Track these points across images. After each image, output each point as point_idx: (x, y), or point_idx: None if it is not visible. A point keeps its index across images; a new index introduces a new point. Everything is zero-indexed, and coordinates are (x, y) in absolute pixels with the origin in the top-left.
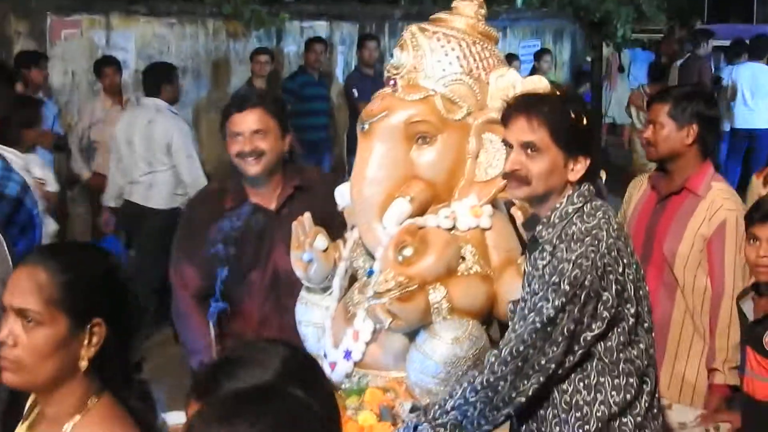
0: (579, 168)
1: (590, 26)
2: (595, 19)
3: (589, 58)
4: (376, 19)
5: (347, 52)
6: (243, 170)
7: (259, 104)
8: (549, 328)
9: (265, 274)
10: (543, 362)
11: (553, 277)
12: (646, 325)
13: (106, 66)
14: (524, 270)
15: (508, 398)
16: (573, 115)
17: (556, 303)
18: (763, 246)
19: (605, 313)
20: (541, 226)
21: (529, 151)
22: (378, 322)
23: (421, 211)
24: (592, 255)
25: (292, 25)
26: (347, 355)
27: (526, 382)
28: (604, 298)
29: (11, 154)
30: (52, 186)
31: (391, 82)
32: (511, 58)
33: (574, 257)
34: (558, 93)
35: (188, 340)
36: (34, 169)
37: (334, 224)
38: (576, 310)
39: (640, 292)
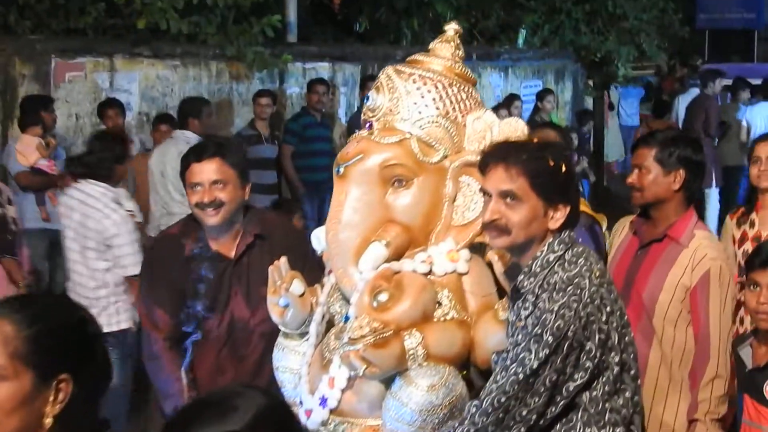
0: (559, 216)
1: (591, 65)
2: (596, 59)
3: (590, 97)
4: (378, 60)
5: (350, 93)
6: (202, 221)
7: (217, 154)
8: (531, 380)
9: (221, 322)
10: (524, 413)
11: (536, 328)
12: (632, 372)
13: (109, 108)
14: (508, 319)
15: None
16: (552, 163)
17: (540, 354)
18: (764, 292)
19: (588, 363)
20: (522, 276)
21: (508, 200)
22: (352, 369)
23: (397, 256)
24: (575, 305)
25: (294, 66)
26: (323, 402)
27: None
28: (587, 348)
29: (103, 188)
30: (139, 217)
31: (367, 124)
32: (513, 98)
33: (556, 307)
34: (535, 140)
35: (161, 383)
36: (125, 202)
37: (298, 270)
38: (558, 361)
39: (626, 339)
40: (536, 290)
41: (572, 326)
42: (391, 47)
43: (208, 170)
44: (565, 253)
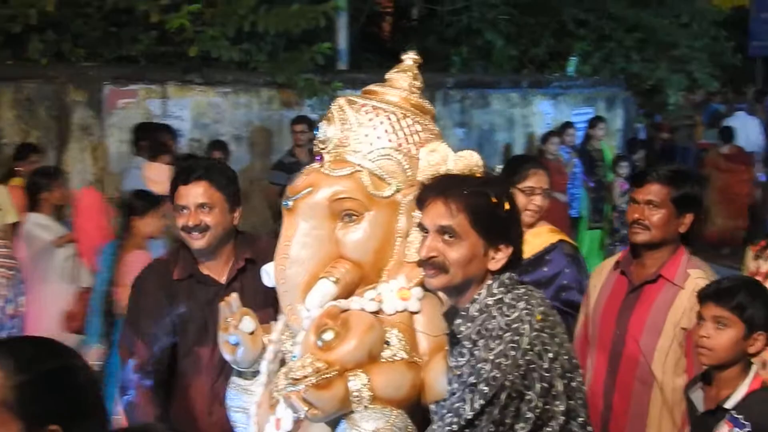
0: (500, 257)
1: (642, 94)
2: (647, 87)
3: (641, 125)
4: (428, 88)
5: None
6: (188, 244)
7: (204, 177)
8: (467, 431)
9: (215, 351)
10: None
11: (471, 377)
12: (580, 419)
13: None
14: (447, 366)
15: None
16: (494, 200)
17: (475, 405)
18: (705, 326)
19: (529, 414)
20: (459, 320)
21: (446, 236)
22: (294, 411)
23: (347, 293)
24: (513, 353)
25: (344, 93)
26: None
27: None
28: (528, 397)
29: None
30: None
31: (318, 157)
32: (566, 126)
33: (492, 356)
34: (478, 175)
35: (128, 417)
36: None
37: None
38: (496, 412)
39: (573, 384)
40: (473, 336)
41: (510, 376)
42: (440, 75)
43: (194, 193)
44: (504, 296)
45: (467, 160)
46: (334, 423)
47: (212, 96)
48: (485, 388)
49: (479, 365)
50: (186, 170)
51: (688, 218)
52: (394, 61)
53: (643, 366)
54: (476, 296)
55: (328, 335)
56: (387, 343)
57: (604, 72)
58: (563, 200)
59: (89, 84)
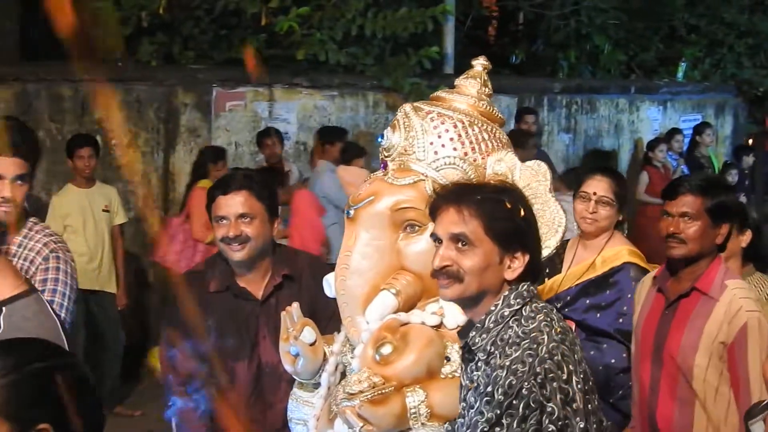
0: (516, 265)
1: (753, 100)
2: (758, 93)
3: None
4: (534, 93)
5: (505, 125)
6: (227, 256)
7: (245, 187)
8: None
9: (250, 366)
10: None
11: (487, 388)
12: None
13: (268, 137)
14: (460, 383)
15: None
16: (509, 206)
17: (490, 415)
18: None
19: (551, 428)
20: (474, 332)
21: (459, 244)
22: (349, 426)
23: (407, 306)
24: (530, 359)
25: None
26: None
27: None
28: (549, 409)
29: None
30: None
31: (382, 165)
32: (674, 132)
33: (508, 363)
34: (493, 182)
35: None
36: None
37: (327, 315)
38: (515, 425)
39: (590, 407)
40: (488, 347)
41: (526, 383)
42: (547, 80)
43: (234, 203)
44: (522, 308)
45: (534, 171)
46: None
47: (319, 99)
48: (501, 396)
49: (495, 373)
50: (225, 180)
51: (724, 228)
52: (501, 65)
53: (683, 384)
54: (492, 307)
55: (387, 349)
56: (447, 358)
57: (714, 78)
58: None
59: (198, 86)
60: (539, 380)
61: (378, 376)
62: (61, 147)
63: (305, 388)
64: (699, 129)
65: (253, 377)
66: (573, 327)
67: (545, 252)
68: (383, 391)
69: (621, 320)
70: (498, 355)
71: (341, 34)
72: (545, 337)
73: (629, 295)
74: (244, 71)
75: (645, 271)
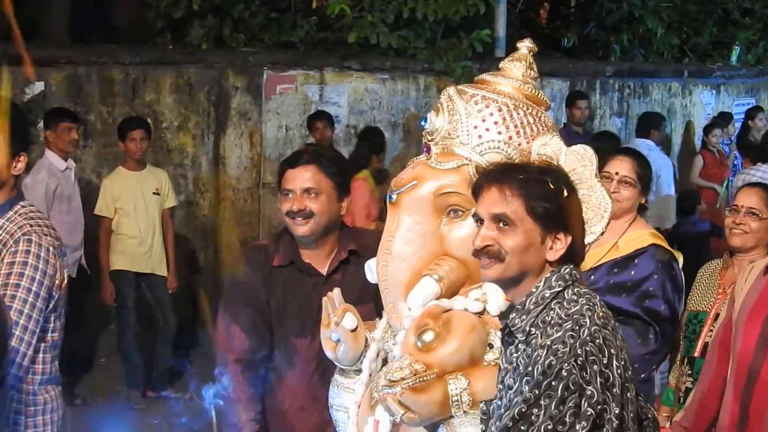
0: (559, 247)
1: None
2: None
3: None
4: (587, 76)
5: (557, 108)
6: (291, 230)
7: (313, 162)
8: (523, 426)
9: (312, 343)
10: None
11: (527, 368)
12: None
13: (318, 120)
14: (499, 366)
15: None
16: (552, 186)
17: (528, 395)
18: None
19: (590, 411)
20: (514, 314)
21: (500, 224)
22: (390, 414)
23: (450, 292)
24: (571, 341)
25: None
26: None
27: None
28: (588, 392)
29: None
30: None
31: (425, 148)
32: (725, 117)
33: (549, 342)
34: (537, 163)
35: (226, 409)
36: None
37: None
38: (553, 406)
39: (628, 395)
40: (528, 328)
41: (566, 364)
42: (599, 63)
43: (301, 177)
44: (564, 290)
45: (580, 155)
46: (432, 427)
47: (369, 82)
48: (540, 376)
49: (536, 353)
50: (295, 155)
51: None
52: (552, 48)
53: None
54: (533, 289)
55: (428, 336)
56: (491, 345)
57: None
58: (721, 192)
59: (248, 69)
60: (579, 362)
61: (420, 363)
62: (112, 130)
63: (347, 374)
64: (751, 113)
65: (315, 354)
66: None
67: (590, 238)
68: (425, 378)
69: (647, 301)
70: (539, 335)
71: (392, 17)
72: (587, 320)
73: (655, 276)
74: (295, 54)
75: (671, 253)
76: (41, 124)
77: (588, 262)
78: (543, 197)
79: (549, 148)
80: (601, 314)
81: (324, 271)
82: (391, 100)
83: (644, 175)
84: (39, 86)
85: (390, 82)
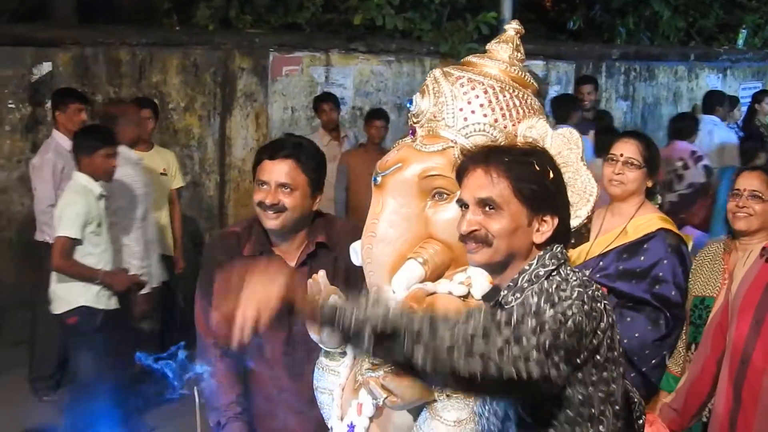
0: (545, 229)
1: None
2: None
3: None
4: (592, 59)
5: (563, 91)
6: (262, 221)
7: (292, 156)
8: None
9: (281, 335)
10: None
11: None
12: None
13: (324, 102)
14: None
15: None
16: (537, 168)
17: (542, 339)
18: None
19: (595, 313)
20: (506, 291)
21: (486, 208)
22: (373, 397)
23: (435, 276)
24: (567, 302)
25: None
26: (351, 429)
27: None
28: (603, 325)
29: None
30: None
31: (411, 131)
32: (728, 99)
33: (547, 307)
34: (521, 145)
35: (208, 393)
36: None
37: (362, 284)
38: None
39: (620, 370)
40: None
41: (571, 303)
42: (605, 46)
43: (278, 171)
44: (558, 268)
45: (566, 138)
46: (416, 411)
47: (375, 64)
48: (527, 329)
49: (533, 308)
50: (275, 145)
51: None
52: (558, 31)
53: None
54: (526, 267)
55: None
56: None
57: None
58: None
59: (255, 51)
60: (585, 308)
61: None
62: None
63: (332, 356)
64: (758, 97)
65: (283, 346)
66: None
67: (575, 221)
68: None
69: (658, 286)
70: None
71: None
72: (584, 294)
73: (665, 261)
74: (301, 36)
75: (680, 238)
76: (48, 105)
77: (597, 249)
78: (529, 178)
79: (535, 131)
80: (595, 292)
81: (293, 263)
82: (396, 82)
83: (651, 157)
84: (46, 67)
85: (396, 64)
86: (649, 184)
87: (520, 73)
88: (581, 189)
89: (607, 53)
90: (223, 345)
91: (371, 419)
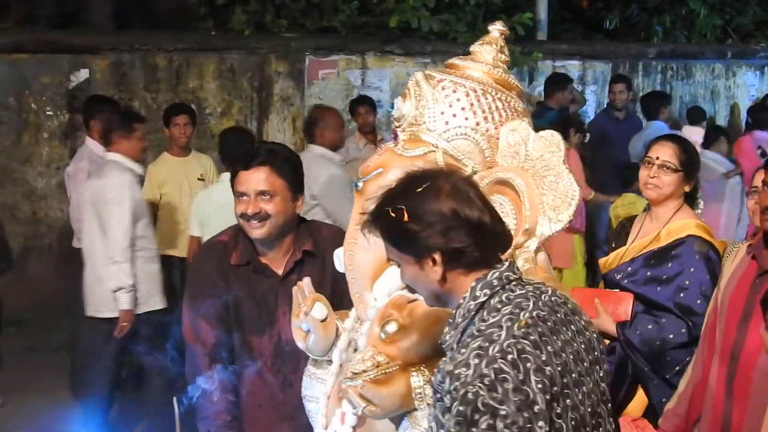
0: (437, 268)
1: None
2: None
3: None
4: (629, 58)
5: (599, 91)
6: (247, 232)
7: (267, 163)
8: None
9: (270, 343)
10: None
11: (436, 394)
12: None
13: (360, 105)
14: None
15: None
16: (393, 214)
17: (441, 421)
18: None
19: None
20: (447, 328)
21: (395, 265)
22: (352, 407)
23: None
24: (476, 361)
25: (544, 64)
26: None
27: None
28: (503, 412)
29: None
30: None
31: (393, 135)
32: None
33: (451, 368)
34: (387, 190)
35: (198, 401)
36: None
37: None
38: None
39: (567, 402)
40: (455, 346)
41: (471, 387)
42: (642, 45)
43: (255, 180)
44: (489, 299)
45: (548, 141)
46: (398, 420)
47: (411, 66)
48: (448, 401)
49: (446, 377)
50: (248, 155)
51: None
52: (594, 31)
53: (765, 359)
54: (461, 300)
55: (392, 327)
56: None
57: None
58: None
59: (291, 55)
60: (487, 382)
61: (382, 355)
62: (156, 116)
63: (319, 365)
64: None
65: (272, 354)
66: (631, 298)
67: (557, 226)
68: (387, 370)
69: (682, 294)
70: (448, 358)
71: (434, 1)
72: (503, 332)
73: (692, 269)
74: (336, 39)
75: (710, 245)
76: None
77: (630, 253)
78: (391, 229)
79: (517, 133)
80: (525, 321)
81: (280, 272)
82: None
83: (688, 161)
84: (84, 74)
85: (432, 66)
86: (687, 188)
87: (503, 75)
88: (563, 192)
89: (644, 52)
90: (212, 354)
91: (354, 428)
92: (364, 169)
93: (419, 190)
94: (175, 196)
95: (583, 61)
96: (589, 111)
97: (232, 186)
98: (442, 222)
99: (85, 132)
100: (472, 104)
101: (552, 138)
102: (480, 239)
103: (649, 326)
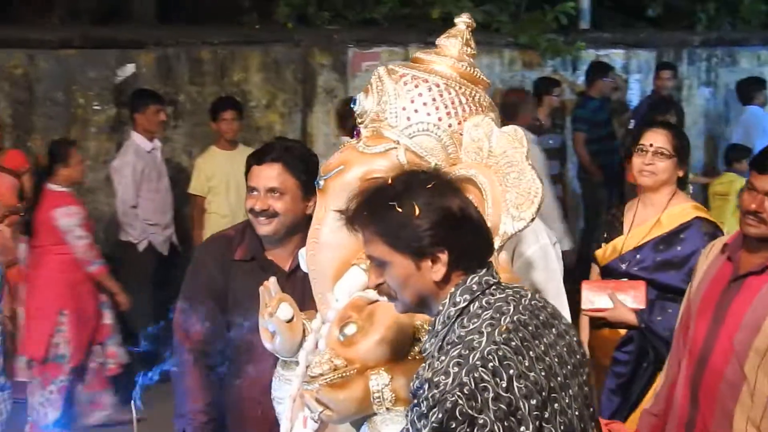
0: (439, 267)
1: None
2: None
3: None
4: (673, 47)
5: (644, 80)
6: (255, 228)
7: (280, 160)
8: None
9: (246, 344)
10: None
11: (414, 400)
12: None
13: None
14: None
15: None
16: (400, 209)
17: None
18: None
19: None
20: (427, 336)
21: (379, 267)
22: (309, 411)
23: None
24: (455, 369)
25: (587, 53)
26: None
27: None
28: (481, 421)
29: None
30: None
31: (356, 132)
32: None
33: (431, 375)
34: (375, 184)
35: (178, 398)
36: None
37: None
38: None
39: (555, 406)
40: (435, 354)
41: (450, 395)
42: (686, 33)
43: (266, 176)
44: (469, 304)
45: (511, 137)
46: (358, 424)
47: None
48: (425, 409)
49: (423, 385)
50: (263, 150)
51: None
52: (637, 19)
53: (734, 365)
54: (441, 307)
55: (351, 329)
56: (418, 339)
57: None
58: None
59: (334, 47)
60: (466, 391)
61: (340, 358)
62: (201, 110)
63: (288, 366)
64: None
65: (247, 353)
66: (644, 286)
67: (520, 224)
68: (345, 374)
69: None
70: (427, 366)
71: None
72: (483, 338)
73: (702, 250)
74: (379, 31)
75: (716, 226)
76: None
77: (632, 241)
78: (397, 226)
79: (480, 129)
80: (506, 327)
81: (287, 267)
82: None
83: (680, 147)
84: (130, 68)
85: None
86: (680, 173)
87: (469, 69)
88: (526, 190)
89: (688, 40)
90: (198, 351)
91: None
92: (326, 167)
93: (428, 186)
94: (221, 189)
95: (627, 50)
96: (633, 99)
97: (246, 179)
98: (451, 219)
99: (131, 126)
100: (434, 99)
101: (515, 134)
102: (481, 239)
103: (670, 310)
